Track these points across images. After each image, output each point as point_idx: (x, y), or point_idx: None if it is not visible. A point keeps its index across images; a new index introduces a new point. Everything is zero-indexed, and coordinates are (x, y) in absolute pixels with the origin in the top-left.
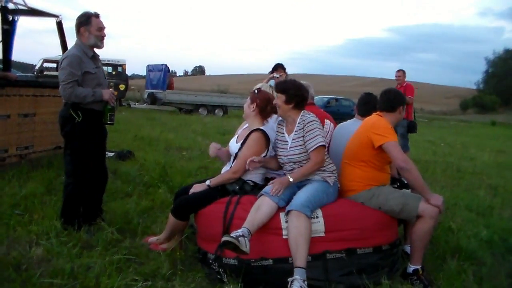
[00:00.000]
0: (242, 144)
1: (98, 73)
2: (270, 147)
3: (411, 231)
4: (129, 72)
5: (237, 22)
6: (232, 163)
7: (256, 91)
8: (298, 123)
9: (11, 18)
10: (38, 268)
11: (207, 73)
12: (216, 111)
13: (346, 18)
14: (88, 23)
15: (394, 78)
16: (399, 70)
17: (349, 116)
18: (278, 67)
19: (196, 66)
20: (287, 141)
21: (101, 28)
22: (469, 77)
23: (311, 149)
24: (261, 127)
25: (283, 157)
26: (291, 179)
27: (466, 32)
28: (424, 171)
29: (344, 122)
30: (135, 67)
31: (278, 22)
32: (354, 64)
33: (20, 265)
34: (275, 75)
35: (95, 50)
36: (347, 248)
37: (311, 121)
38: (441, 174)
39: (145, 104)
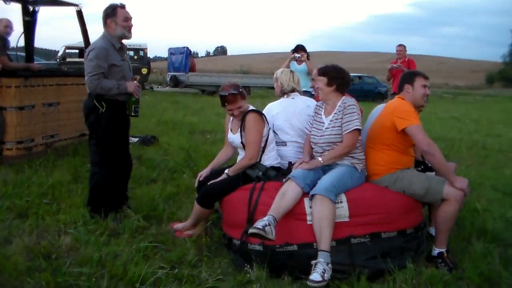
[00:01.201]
0: (241, 131)
1: (123, 66)
2: (268, 121)
3: (436, 214)
4: (151, 54)
5: (258, 0)
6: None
7: (239, 89)
8: (339, 105)
9: (32, 9)
10: (67, 257)
11: (229, 53)
12: None
13: None
14: (114, 14)
15: (417, 53)
16: (400, 45)
17: (373, 93)
18: (299, 48)
19: (218, 47)
20: (323, 123)
21: (127, 18)
22: (495, 50)
23: (347, 131)
24: (249, 108)
25: (316, 137)
26: (321, 160)
27: (491, 3)
28: (449, 149)
29: (379, 105)
30: (157, 49)
31: None
32: (378, 40)
33: (49, 254)
34: (296, 55)
35: (124, 41)
36: (372, 233)
37: (352, 105)
38: (466, 152)
39: (167, 87)
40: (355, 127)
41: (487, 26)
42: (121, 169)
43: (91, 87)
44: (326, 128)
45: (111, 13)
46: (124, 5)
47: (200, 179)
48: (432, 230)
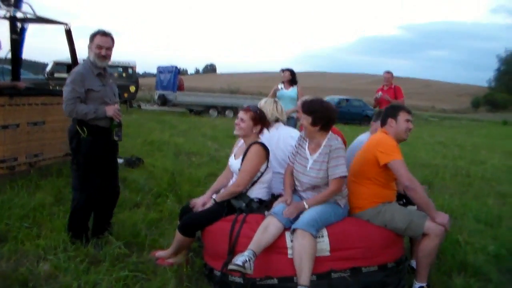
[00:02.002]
0: (243, 159)
1: (103, 91)
2: (270, 158)
3: (417, 248)
4: (140, 70)
5: (250, 19)
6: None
7: (258, 111)
8: (324, 146)
9: (20, 27)
10: (45, 285)
11: (218, 71)
12: (227, 112)
13: (359, 16)
14: (92, 40)
15: (405, 75)
16: (387, 72)
17: (360, 116)
18: (285, 71)
19: (207, 64)
20: (307, 159)
21: (100, 46)
22: (481, 74)
23: (333, 176)
24: (258, 140)
25: (300, 174)
26: (306, 206)
27: (478, 29)
28: (434, 176)
29: (361, 136)
30: (147, 65)
31: (291, 19)
32: (367, 62)
33: (27, 282)
34: (279, 86)
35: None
36: (352, 267)
37: (338, 148)
38: (450, 180)
39: (155, 106)
40: (342, 174)
41: (473, 50)
42: (106, 195)
43: (67, 112)
44: (310, 168)
45: (91, 38)
46: (106, 33)
47: (203, 207)
48: (413, 263)
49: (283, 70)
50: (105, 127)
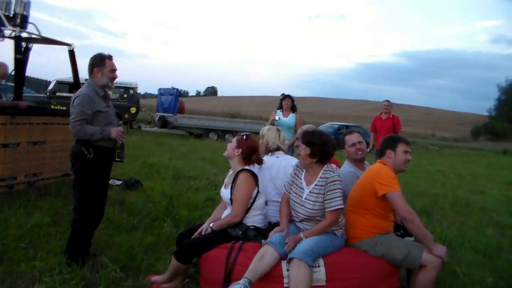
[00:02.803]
0: (232, 187)
1: (108, 112)
2: (259, 184)
3: (414, 280)
4: (142, 90)
5: (251, 43)
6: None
7: (244, 137)
8: (320, 178)
9: (24, 46)
10: None
11: (219, 93)
12: (227, 136)
13: (357, 42)
14: (102, 64)
15: (405, 103)
16: (387, 100)
17: None
18: (286, 98)
19: (208, 87)
20: (303, 189)
21: (113, 70)
22: (481, 103)
23: (329, 209)
24: (246, 167)
25: (296, 205)
26: (302, 236)
27: (479, 58)
28: (433, 206)
29: (341, 168)
30: (149, 85)
31: (289, 44)
32: (365, 88)
33: None
34: (276, 117)
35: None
36: None
37: (334, 181)
38: (449, 210)
39: (155, 128)
40: (338, 207)
41: (474, 79)
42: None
43: (74, 132)
44: (305, 199)
45: (99, 63)
46: (112, 57)
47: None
48: None
49: (284, 97)
50: (109, 148)
